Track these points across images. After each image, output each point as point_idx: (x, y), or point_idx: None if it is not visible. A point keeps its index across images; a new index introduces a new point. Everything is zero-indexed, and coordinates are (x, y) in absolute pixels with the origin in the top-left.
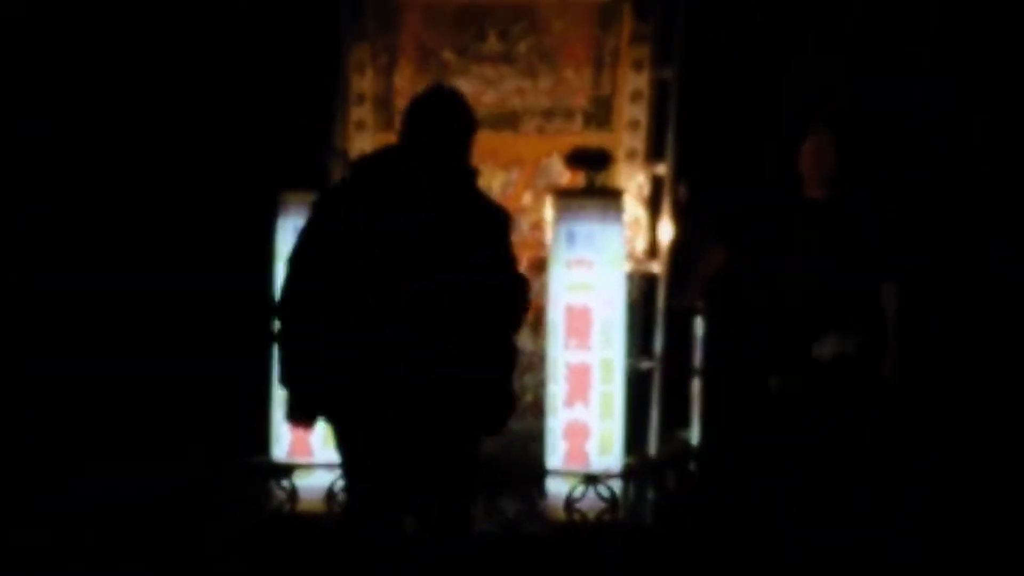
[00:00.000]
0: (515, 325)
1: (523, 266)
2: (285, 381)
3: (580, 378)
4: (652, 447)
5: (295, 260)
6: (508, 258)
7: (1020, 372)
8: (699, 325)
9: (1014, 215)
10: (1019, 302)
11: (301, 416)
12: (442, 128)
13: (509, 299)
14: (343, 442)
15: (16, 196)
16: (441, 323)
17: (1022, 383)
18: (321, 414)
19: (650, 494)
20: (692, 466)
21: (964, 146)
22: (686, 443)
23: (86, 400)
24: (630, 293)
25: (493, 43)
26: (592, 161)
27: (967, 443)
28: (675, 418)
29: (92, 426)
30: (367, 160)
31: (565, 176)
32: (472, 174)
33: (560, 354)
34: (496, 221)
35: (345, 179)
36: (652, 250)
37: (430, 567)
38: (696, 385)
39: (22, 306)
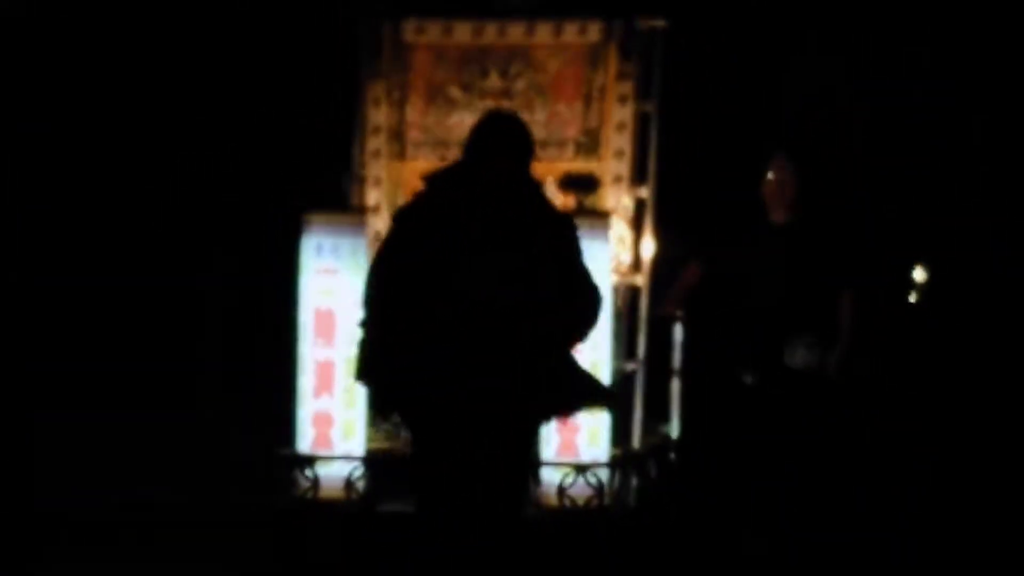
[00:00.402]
0: (582, 335)
1: None
2: (366, 378)
3: None
4: (636, 440)
5: (377, 269)
6: (580, 268)
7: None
8: (679, 331)
9: (1015, 214)
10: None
11: (382, 409)
12: (506, 145)
13: (580, 309)
14: (414, 435)
15: (43, 198)
16: (510, 331)
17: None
18: (397, 409)
19: (634, 482)
20: (672, 456)
21: (963, 146)
22: (667, 436)
23: (126, 395)
24: (616, 303)
25: (494, 80)
26: (582, 185)
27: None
28: (656, 414)
29: (136, 416)
30: (439, 176)
31: (559, 199)
32: (537, 185)
33: None
34: (565, 229)
35: (420, 194)
36: (636, 264)
37: (480, 556)
38: (676, 384)
39: (64, 308)
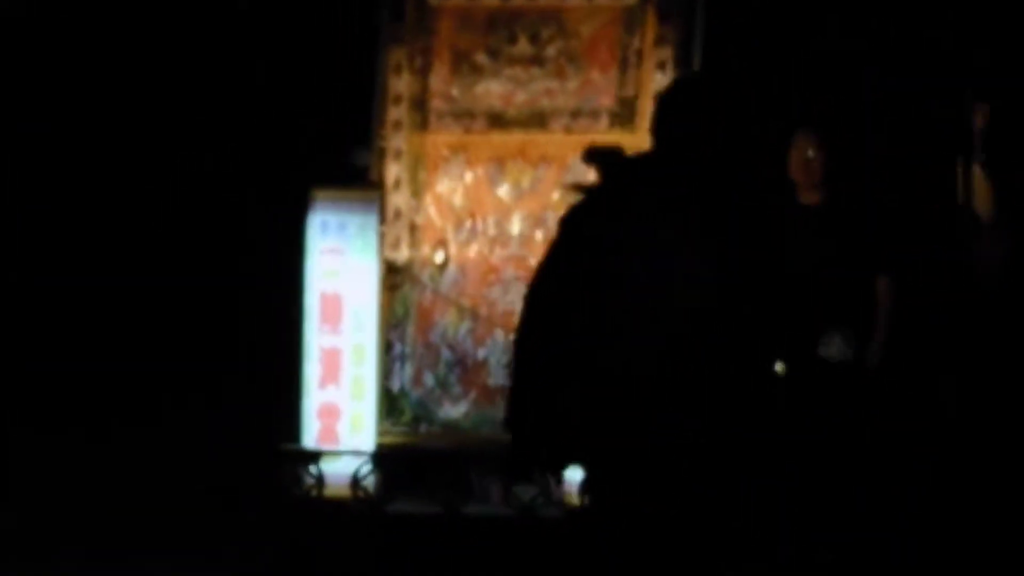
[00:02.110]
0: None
1: None
2: (530, 427)
3: None
4: None
5: (544, 288)
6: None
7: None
8: None
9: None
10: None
11: (529, 466)
12: (696, 127)
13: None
14: (595, 486)
15: (43, 198)
16: (703, 369)
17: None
18: (569, 460)
19: None
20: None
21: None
22: None
23: (129, 394)
24: None
25: (523, 46)
26: (607, 158)
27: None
28: None
29: (140, 417)
30: (624, 168)
31: (591, 174)
32: (746, 181)
33: None
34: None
35: (592, 193)
36: None
37: None
38: None
39: (76, 307)
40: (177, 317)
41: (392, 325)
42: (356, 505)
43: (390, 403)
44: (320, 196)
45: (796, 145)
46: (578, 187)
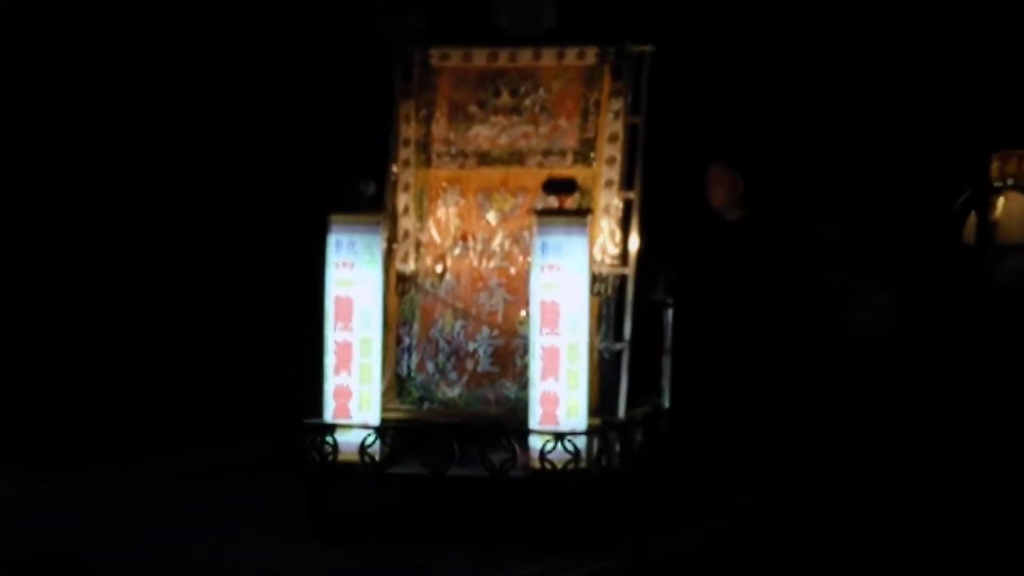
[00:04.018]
0: None
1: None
2: None
3: (551, 358)
4: (621, 412)
5: None
6: None
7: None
8: (669, 316)
9: None
10: None
11: None
12: None
13: None
14: None
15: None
16: None
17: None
18: None
19: (617, 448)
20: (663, 422)
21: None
22: (659, 405)
23: (184, 391)
24: (605, 290)
25: (506, 98)
26: (562, 188)
27: None
28: (647, 389)
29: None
30: None
31: (552, 200)
32: None
33: (536, 339)
34: None
35: None
36: (624, 257)
37: None
38: (667, 363)
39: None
40: (226, 319)
41: (401, 323)
42: (364, 468)
43: (400, 385)
44: (335, 220)
45: (711, 172)
46: (543, 211)
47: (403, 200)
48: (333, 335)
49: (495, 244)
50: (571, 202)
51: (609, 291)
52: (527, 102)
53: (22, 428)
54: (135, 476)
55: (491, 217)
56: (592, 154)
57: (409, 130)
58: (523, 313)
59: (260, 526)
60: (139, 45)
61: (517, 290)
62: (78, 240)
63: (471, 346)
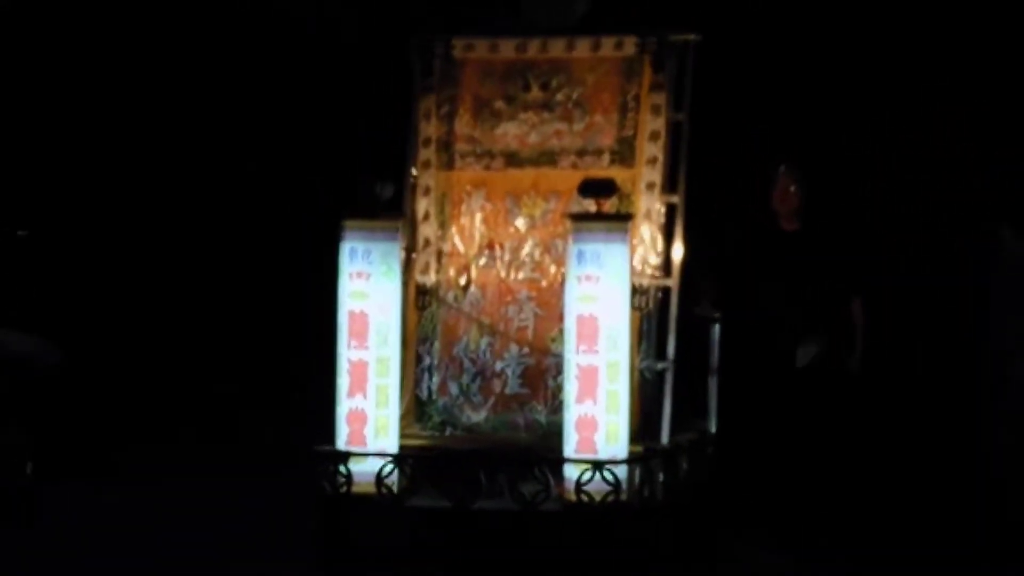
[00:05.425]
0: None
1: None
2: None
3: (588, 378)
4: (664, 437)
5: None
6: None
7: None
8: (716, 331)
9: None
10: None
11: None
12: None
13: None
14: None
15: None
16: None
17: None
18: None
19: (661, 477)
20: (710, 449)
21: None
22: (705, 431)
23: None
24: (646, 304)
25: (536, 93)
26: (600, 190)
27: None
28: (694, 412)
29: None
30: None
31: (590, 204)
32: None
33: (572, 357)
34: None
35: None
36: (666, 267)
37: None
38: (713, 383)
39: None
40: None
41: (421, 340)
42: (380, 500)
43: (420, 409)
44: (349, 226)
45: (778, 180)
46: (579, 216)
47: (423, 205)
48: (347, 354)
49: (524, 253)
50: (609, 206)
51: (651, 305)
52: (559, 97)
53: None
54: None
55: (520, 223)
56: (632, 154)
57: (430, 128)
58: (556, 329)
59: (273, 553)
60: (135, 45)
61: (549, 304)
62: (78, 241)
63: (498, 366)
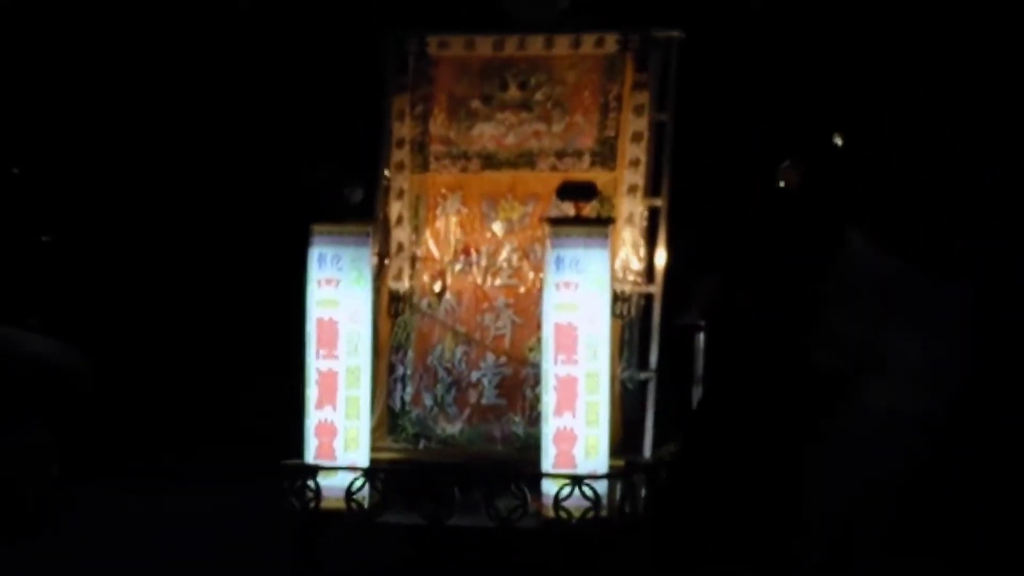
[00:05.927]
0: None
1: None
2: None
3: (568, 389)
4: (647, 450)
5: None
6: None
7: None
8: (701, 340)
9: None
10: None
11: None
12: None
13: None
14: None
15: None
16: None
17: None
18: None
19: (643, 493)
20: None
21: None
22: None
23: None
24: (628, 311)
25: (513, 92)
26: (579, 193)
27: None
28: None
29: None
30: None
31: (569, 207)
32: None
33: (550, 367)
34: None
35: None
36: (649, 273)
37: None
38: (697, 392)
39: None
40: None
41: (394, 349)
42: (350, 516)
43: (392, 421)
44: (317, 230)
45: (780, 177)
46: (557, 220)
47: (396, 208)
48: (315, 363)
49: (502, 259)
50: (589, 210)
51: (633, 312)
52: (538, 96)
53: None
54: None
55: (497, 228)
56: (613, 156)
57: (403, 129)
58: (535, 338)
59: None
60: (100, 50)
61: (527, 311)
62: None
63: (474, 376)
